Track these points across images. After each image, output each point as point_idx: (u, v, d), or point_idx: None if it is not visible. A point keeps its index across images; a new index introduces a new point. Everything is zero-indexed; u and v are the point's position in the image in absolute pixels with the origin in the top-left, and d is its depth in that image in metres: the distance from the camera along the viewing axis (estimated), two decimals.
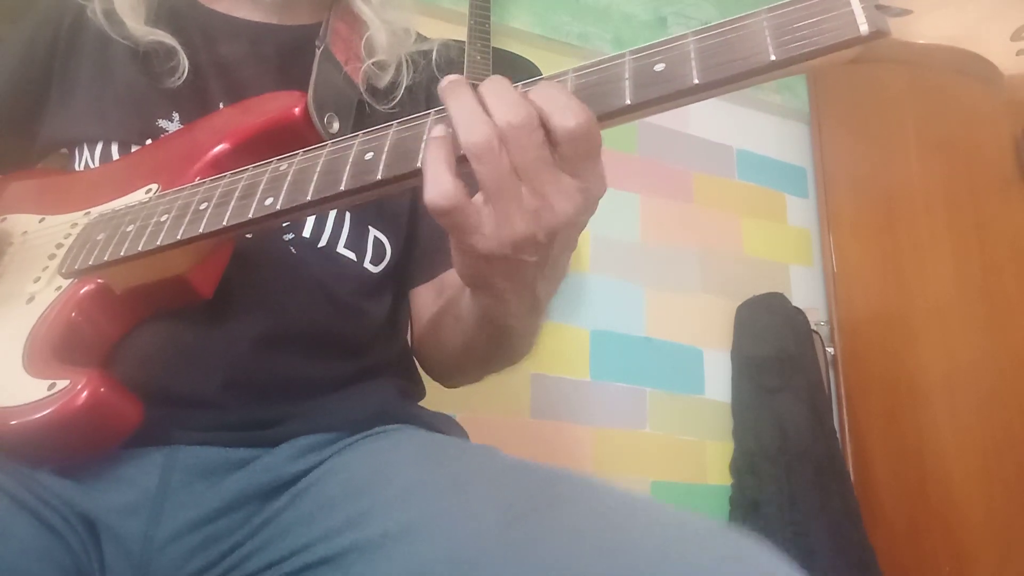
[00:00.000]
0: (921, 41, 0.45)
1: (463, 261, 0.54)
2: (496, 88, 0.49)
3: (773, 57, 0.44)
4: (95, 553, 0.57)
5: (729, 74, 0.45)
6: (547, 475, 0.55)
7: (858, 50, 0.44)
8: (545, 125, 0.47)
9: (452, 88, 0.49)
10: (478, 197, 0.49)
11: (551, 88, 0.48)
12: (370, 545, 0.53)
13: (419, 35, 0.89)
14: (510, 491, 0.54)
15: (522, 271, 0.53)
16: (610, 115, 0.48)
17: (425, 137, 0.51)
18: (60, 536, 0.56)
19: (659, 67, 0.47)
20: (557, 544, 0.47)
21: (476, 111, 0.48)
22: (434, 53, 0.88)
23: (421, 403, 0.79)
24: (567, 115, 0.47)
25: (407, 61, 0.85)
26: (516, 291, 0.57)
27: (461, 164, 0.49)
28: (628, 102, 0.47)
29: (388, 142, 0.53)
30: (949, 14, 0.45)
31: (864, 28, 0.42)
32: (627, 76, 0.48)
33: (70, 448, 0.58)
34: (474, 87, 0.50)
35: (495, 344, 0.70)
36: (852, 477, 1.81)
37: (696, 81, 0.45)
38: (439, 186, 0.47)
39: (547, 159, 0.48)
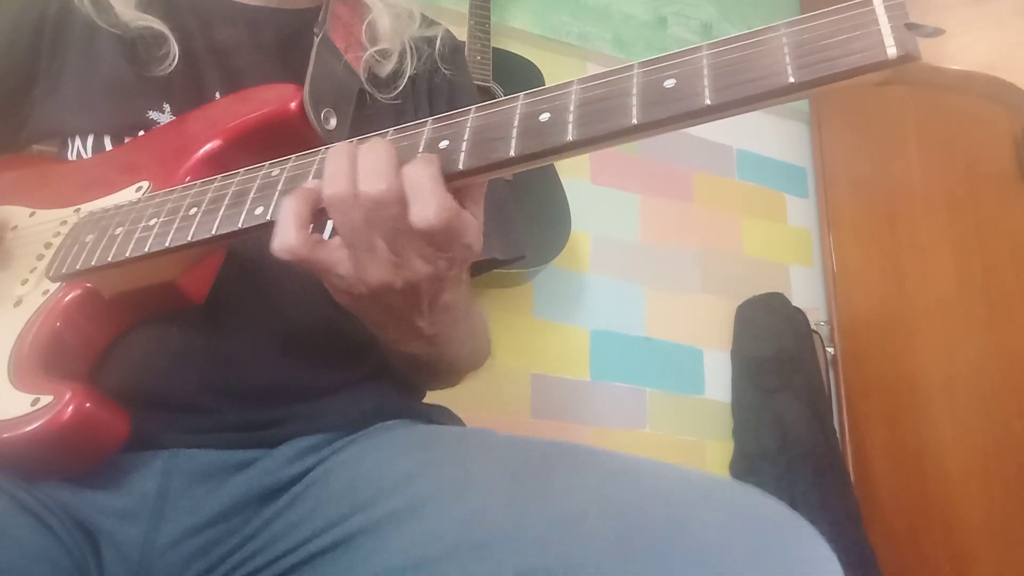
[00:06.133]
0: (955, 67, 0.41)
1: (330, 290, 0.54)
2: (371, 154, 0.49)
3: (792, 79, 0.41)
4: (93, 560, 0.57)
5: (744, 95, 0.42)
6: (548, 443, 0.55)
7: (885, 74, 0.40)
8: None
9: (333, 148, 0.51)
10: (337, 239, 0.50)
11: (424, 175, 0.47)
12: (378, 525, 0.53)
13: (424, 17, 0.87)
14: (512, 459, 0.54)
15: (389, 307, 0.54)
16: (615, 135, 0.45)
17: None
18: (59, 539, 0.55)
19: (669, 83, 0.44)
20: (564, 492, 0.48)
21: (344, 169, 0.49)
22: (438, 41, 0.85)
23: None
24: (426, 211, 0.46)
25: (411, 48, 0.82)
26: (392, 322, 0.57)
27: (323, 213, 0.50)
28: (635, 122, 0.44)
29: None
30: (984, 37, 0.40)
31: (892, 51, 0.39)
32: (634, 92, 0.45)
33: (57, 463, 0.57)
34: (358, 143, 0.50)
35: (402, 362, 0.70)
36: (852, 477, 1.80)
37: (708, 102, 0.42)
38: (282, 239, 0.49)
39: (404, 229, 0.48)
